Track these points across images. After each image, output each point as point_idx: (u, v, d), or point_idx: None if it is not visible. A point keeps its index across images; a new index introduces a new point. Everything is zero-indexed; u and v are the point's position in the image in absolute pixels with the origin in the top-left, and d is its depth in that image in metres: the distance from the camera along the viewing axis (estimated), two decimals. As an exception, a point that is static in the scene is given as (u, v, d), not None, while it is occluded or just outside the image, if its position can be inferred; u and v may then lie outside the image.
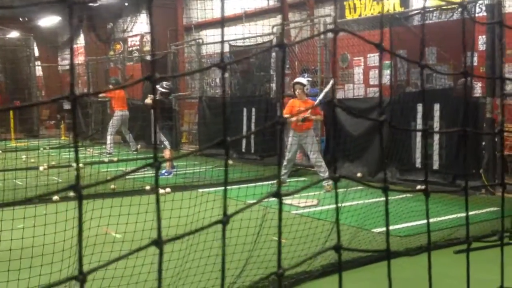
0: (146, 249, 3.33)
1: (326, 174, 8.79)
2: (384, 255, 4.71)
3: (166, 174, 10.34)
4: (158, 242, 0.90)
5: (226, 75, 15.04)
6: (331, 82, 9.13)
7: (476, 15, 8.71)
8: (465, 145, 7.29)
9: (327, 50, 10.96)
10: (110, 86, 14.94)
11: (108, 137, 14.31)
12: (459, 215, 6.44)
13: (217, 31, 15.15)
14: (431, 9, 10.15)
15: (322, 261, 4.86)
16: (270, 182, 9.25)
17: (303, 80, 9.06)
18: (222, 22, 1.03)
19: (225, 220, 0.96)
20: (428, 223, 1.38)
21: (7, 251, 3.97)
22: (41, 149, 14.14)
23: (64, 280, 0.85)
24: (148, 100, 11.20)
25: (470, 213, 6.71)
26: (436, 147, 8.77)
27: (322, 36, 10.95)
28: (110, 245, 4.33)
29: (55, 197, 6.86)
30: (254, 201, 1.31)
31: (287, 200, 6.83)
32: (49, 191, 0.85)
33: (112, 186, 8.29)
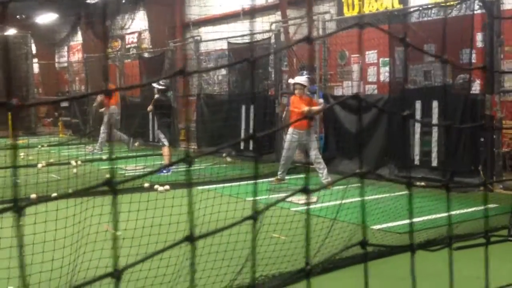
0: (146, 244, 3.29)
1: (325, 171, 8.81)
2: (383, 252, 4.68)
3: (165, 171, 10.33)
4: (191, 238, 0.90)
5: (224, 71, 15.04)
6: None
7: (475, 12, 8.71)
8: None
9: (325, 47, 10.96)
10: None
11: (102, 135, 14.29)
12: (458, 212, 6.45)
13: (215, 28, 15.15)
14: (429, 6, 10.16)
15: (321, 258, 4.86)
16: (269, 179, 9.25)
17: (303, 80, 9.04)
18: (252, 14, 1.03)
19: (255, 216, 0.96)
20: (449, 217, 1.38)
21: (7, 249, 3.96)
22: (39, 146, 14.12)
23: (99, 278, 0.85)
24: (150, 107, 11.22)
25: (469, 210, 6.70)
26: (434, 144, 8.78)
27: (321, 33, 10.94)
28: (111, 242, 4.33)
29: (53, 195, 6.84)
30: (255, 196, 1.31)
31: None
32: (85, 186, 0.84)
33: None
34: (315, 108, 8.72)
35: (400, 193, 7.45)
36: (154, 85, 11.21)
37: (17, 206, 0.75)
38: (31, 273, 3.91)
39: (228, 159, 11.97)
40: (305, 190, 1.04)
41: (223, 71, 15.04)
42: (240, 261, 4.53)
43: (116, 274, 0.80)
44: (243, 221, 1.00)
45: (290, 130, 9.00)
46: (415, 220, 6.08)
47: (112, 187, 0.81)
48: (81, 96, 16.73)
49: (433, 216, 6.11)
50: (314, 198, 7.55)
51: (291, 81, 11.03)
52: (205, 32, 14.68)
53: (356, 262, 4.83)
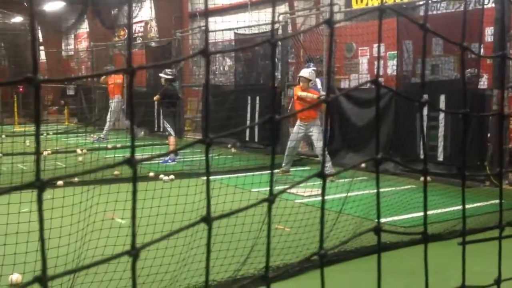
0: (152, 233, 3.28)
1: (329, 164, 8.80)
2: (388, 245, 4.65)
3: (170, 161, 10.35)
4: (207, 219, 0.89)
5: (230, 62, 15.01)
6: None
7: (484, 6, 8.65)
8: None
9: (332, 39, 10.90)
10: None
11: (108, 124, 14.31)
12: (462, 207, 6.43)
13: (223, 18, 15.09)
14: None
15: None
16: (274, 170, 9.24)
17: (307, 74, 9.00)
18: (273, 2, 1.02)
19: (272, 199, 0.96)
20: (463, 208, 1.36)
21: (14, 234, 3.98)
22: (44, 134, 14.14)
23: (117, 255, 0.85)
24: (157, 97, 11.21)
25: (475, 205, 6.67)
26: (441, 138, 8.75)
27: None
28: (116, 230, 4.34)
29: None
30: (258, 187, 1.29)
31: (291, 189, 6.83)
32: (102, 166, 0.84)
33: (116, 172, 8.29)
34: (310, 94, 8.71)
35: (406, 187, 7.44)
36: (161, 74, 11.20)
37: (40, 181, 0.75)
38: (37, 259, 3.93)
39: (233, 150, 11.97)
40: (321, 175, 1.03)
41: (229, 62, 15.01)
42: (245, 252, 4.54)
43: (134, 253, 0.80)
44: (259, 203, 1.00)
45: (297, 121, 8.99)
46: (419, 214, 6.09)
47: (132, 165, 0.81)
48: (100, 74, 16.66)
49: (438, 211, 6.10)
50: (319, 191, 7.56)
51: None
52: (213, 22, 14.62)
53: (361, 255, 4.84)
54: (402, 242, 5.09)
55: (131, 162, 0.82)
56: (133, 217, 0.87)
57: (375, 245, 5.09)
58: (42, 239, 0.79)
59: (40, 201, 0.79)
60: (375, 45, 11.90)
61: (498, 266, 1.42)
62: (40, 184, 0.76)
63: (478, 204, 6.57)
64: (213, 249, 4.47)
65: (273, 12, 1.14)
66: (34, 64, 0.75)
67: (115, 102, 14.41)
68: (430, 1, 9.63)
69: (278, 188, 1.15)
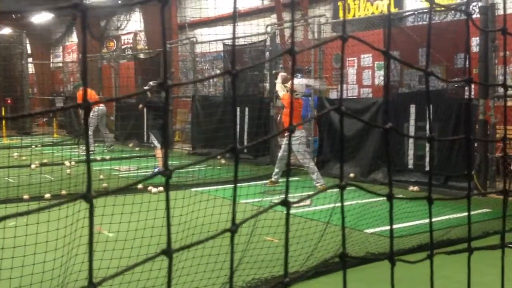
0: (139, 247, 3.25)
1: (315, 175, 8.81)
2: (378, 255, 4.65)
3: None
4: (168, 252, 0.88)
5: (219, 73, 15.04)
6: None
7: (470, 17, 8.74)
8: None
9: (320, 50, 10.97)
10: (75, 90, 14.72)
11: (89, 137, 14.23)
12: (450, 216, 6.47)
13: (211, 30, 15.15)
14: (424, 10, 10.19)
15: (314, 261, 4.87)
16: (263, 182, 9.24)
17: (296, 83, 9.08)
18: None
19: (234, 229, 0.95)
20: (431, 231, 1.37)
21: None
22: (33, 146, 14.05)
23: None
24: (141, 106, 11.20)
25: (461, 214, 6.69)
26: (428, 148, 8.80)
27: (316, 36, 10.95)
28: (103, 244, 4.31)
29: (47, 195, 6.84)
30: (250, 200, 1.30)
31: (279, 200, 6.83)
32: (54, 203, 0.83)
33: (105, 185, 8.25)
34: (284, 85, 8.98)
35: (395, 196, 7.43)
36: (150, 83, 11.16)
37: (89, 196, 0.74)
38: (23, 274, 3.89)
39: (223, 161, 11.95)
40: (285, 203, 1.02)
41: (218, 72, 15.02)
42: (233, 264, 4.52)
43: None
44: (220, 234, 0.99)
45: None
46: (408, 224, 6.10)
47: (89, 200, 0.80)
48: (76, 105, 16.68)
49: (426, 221, 6.11)
50: (308, 201, 7.55)
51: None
52: (201, 34, 14.67)
53: (349, 266, 4.83)
54: (376, 259, 5.10)
55: (86, 197, 0.80)
56: (90, 250, 0.85)
57: (363, 255, 5.09)
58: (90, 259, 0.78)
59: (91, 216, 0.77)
60: (363, 56, 11.98)
61: (467, 284, 1.43)
62: (90, 198, 0.75)
63: (465, 213, 6.60)
64: (201, 262, 4.44)
65: (233, 54, 1.14)
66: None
67: (93, 113, 14.23)
68: (415, 12, 9.73)
69: (266, 199, 1.15)
